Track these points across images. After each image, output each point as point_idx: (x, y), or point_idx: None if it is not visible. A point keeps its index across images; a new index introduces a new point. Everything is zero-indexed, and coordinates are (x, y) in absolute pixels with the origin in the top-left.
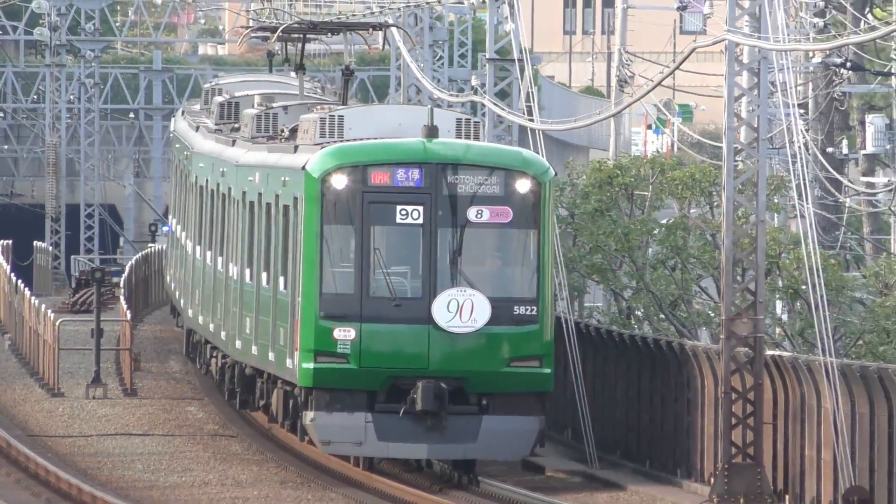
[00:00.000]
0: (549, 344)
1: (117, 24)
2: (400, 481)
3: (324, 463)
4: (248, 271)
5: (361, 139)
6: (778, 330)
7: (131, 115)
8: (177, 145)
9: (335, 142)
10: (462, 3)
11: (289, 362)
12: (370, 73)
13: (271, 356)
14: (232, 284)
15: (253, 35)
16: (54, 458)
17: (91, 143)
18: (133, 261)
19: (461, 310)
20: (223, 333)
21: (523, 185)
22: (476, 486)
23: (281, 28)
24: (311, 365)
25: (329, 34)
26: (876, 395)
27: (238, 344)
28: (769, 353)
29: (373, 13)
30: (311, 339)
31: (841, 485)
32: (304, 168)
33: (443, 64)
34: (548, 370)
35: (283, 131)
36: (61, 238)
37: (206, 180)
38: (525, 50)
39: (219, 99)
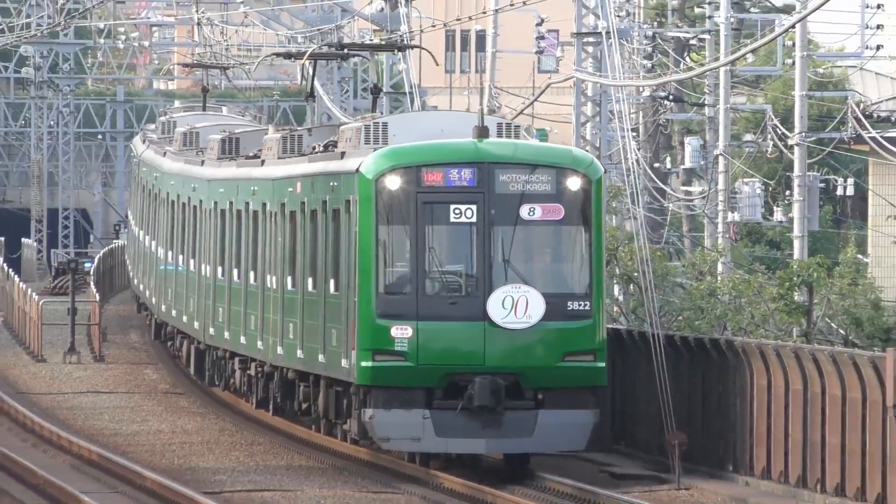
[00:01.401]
0: (602, 338)
1: (88, 65)
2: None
3: (255, 415)
4: (289, 278)
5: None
6: (616, 308)
7: (99, 136)
8: (144, 168)
9: (380, 147)
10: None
11: (344, 362)
12: (291, 103)
13: (321, 358)
14: (251, 289)
15: (274, 61)
16: (38, 410)
17: (67, 160)
18: (101, 254)
19: (516, 306)
20: (212, 329)
21: (574, 183)
22: (531, 479)
23: (308, 53)
24: (369, 363)
25: (344, 57)
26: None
27: (280, 350)
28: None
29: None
30: (369, 338)
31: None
32: (357, 171)
33: (349, 96)
34: (601, 364)
35: (257, 154)
36: (43, 236)
37: (178, 195)
38: (414, 85)
39: (181, 129)
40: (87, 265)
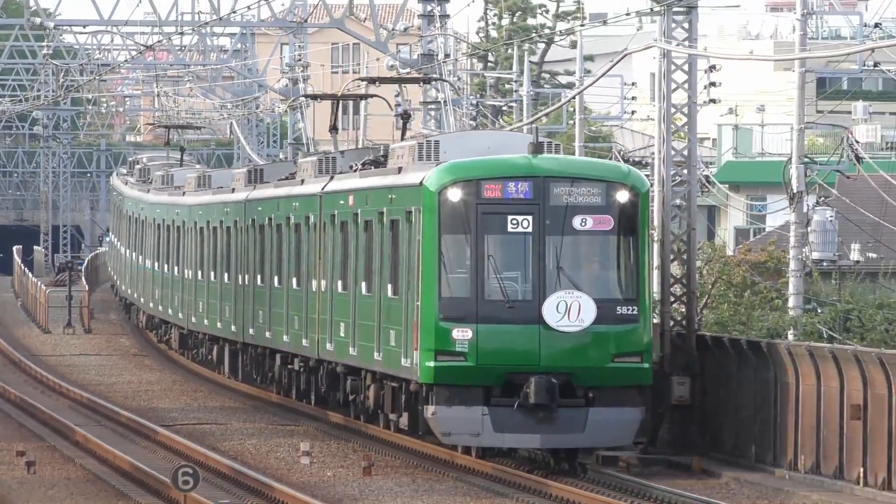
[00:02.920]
0: (648, 340)
1: (80, 124)
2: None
3: (197, 370)
4: (340, 282)
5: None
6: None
7: (88, 175)
8: (129, 202)
9: (433, 163)
10: (274, 111)
11: (404, 361)
12: (222, 151)
13: (377, 356)
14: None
15: (305, 101)
16: (45, 367)
17: (66, 191)
18: (89, 257)
19: (569, 310)
20: (251, 329)
21: (623, 196)
22: (584, 472)
23: (340, 92)
24: (432, 363)
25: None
26: None
27: (329, 346)
28: None
29: (224, 118)
30: (432, 339)
31: None
32: (421, 184)
33: (265, 146)
34: (647, 365)
35: (290, 176)
36: (49, 244)
37: (163, 220)
38: (309, 138)
39: (158, 173)
40: (79, 265)
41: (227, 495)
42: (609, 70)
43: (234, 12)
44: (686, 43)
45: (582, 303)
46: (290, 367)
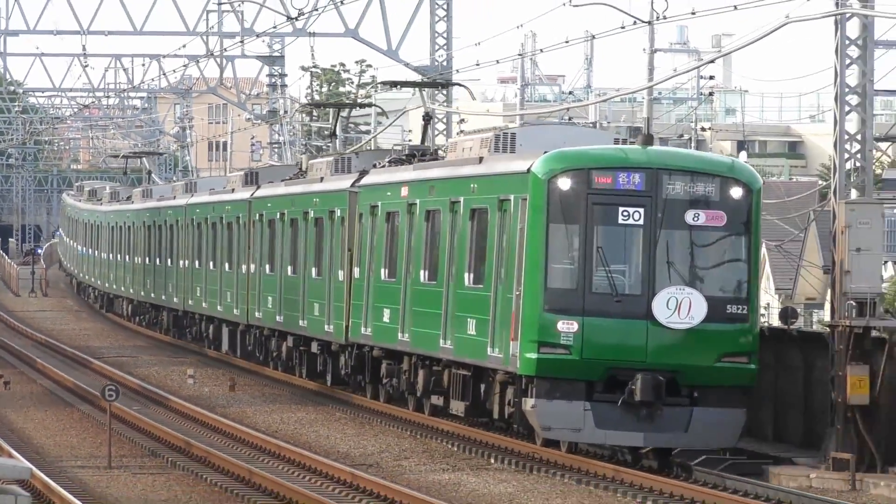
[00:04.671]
0: (756, 341)
1: (40, 157)
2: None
3: (121, 323)
4: (384, 271)
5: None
6: None
7: (45, 190)
8: (86, 212)
9: (509, 154)
10: (170, 149)
11: (492, 351)
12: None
13: (445, 344)
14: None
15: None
16: (16, 319)
17: (31, 202)
18: (45, 246)
19: (679, 307)
20: (279, 316)
21: (737, 192)
22: (689, 473)
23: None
24: (534, 355)
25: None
26: None
27: (365, 330)
28: None
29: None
30: (535, 330)
31: None
32: (528, 171)
33: (164, 172)
34: (754, 366)
35: (298, 175)
36: (19, 237)
37: (121, 222)
38: (193, 167)
39: (107, 191)
40: (39, 251)
41: (137, 404)
42: (393, 122)
43: (143, 82)
44: (445, 104)
45: (693, 299)
46: (284, 342)
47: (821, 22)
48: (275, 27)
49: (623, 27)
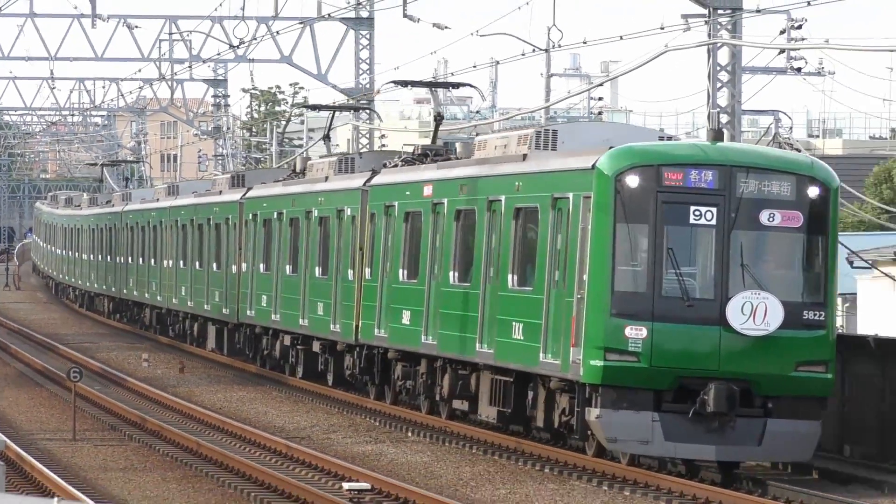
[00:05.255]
0: (833, 349)
1: (13, 168)
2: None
3: (85, 314)
4: (403, 271)
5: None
6: None
7: (18, 196)
8: (65, 217)
9: (550, 151)
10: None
11: (545, 356)
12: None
13: (482, 348)
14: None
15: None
16: None
17: (5, 207)
18: (19, 245)
19: (755, 312)
20: (304, 320)
21: (813, 191)
22: (763, 489)
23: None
24: (599, 362)
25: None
26: None
27: (380, 332)
28: None
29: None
30: (601, 336)
31: None
32: (593, 167)
33: (123, 183)
34: (830, 375)
35: (292, 176)
36: None
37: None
38: (148, 176)
39: (86, 197)
40: (12, 250)
41: (98, 384)
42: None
43: (103, 102)
44: (368, 122)
45: (769, 305)
46: (285, 344)
47: (696, 50)
48: (219, 54)
49: (523, 54)
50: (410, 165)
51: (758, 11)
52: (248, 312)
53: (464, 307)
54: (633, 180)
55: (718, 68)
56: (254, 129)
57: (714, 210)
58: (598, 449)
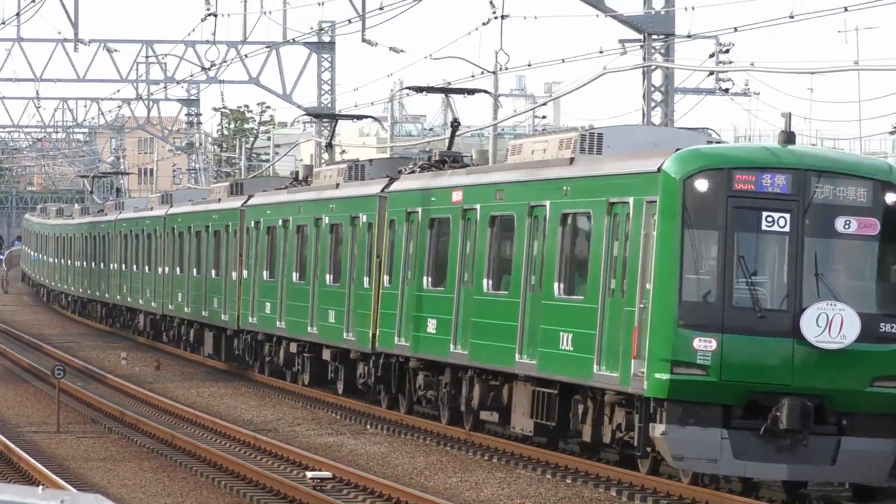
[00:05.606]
0: None
1: (0, 181)
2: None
3: (69, 315)
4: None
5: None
6: None
7: (6, 208)
8: (57, 227)
9: (595, 155)
10: (108, 174)
11: (599, 369)
12: (79, 196)
13: (523, 359)
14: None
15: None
16: None
17: None
18: (6, 252)
19: (830, 324)
20: (312, 327)
21: (891, 197)
22: None
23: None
24: (666, 376)
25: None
26: None
27: (400, 339)
28: None
29: (80, 177)
30: (668, 348)
31: None
32: (659, 170)
33: (104, 194)
34: None
35: (298, 183)
36: None
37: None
38: (127, 189)
39: (77, 209)
40: (1, 256)
41: (81, 380)
42: (286, 154)
43: (85, 120)
44: (323, 140)
45: (845, 317)
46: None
47: (632, 72)
48: (191, 75)
49: (473, 76)
50: (429, 171)
51: (689, 37)
52: (250, 319)
53: (500, 316)
54: (702, 184)
55: (653, 89)
56: (224, 145)
57: (787, 216)
58: (653, 466)
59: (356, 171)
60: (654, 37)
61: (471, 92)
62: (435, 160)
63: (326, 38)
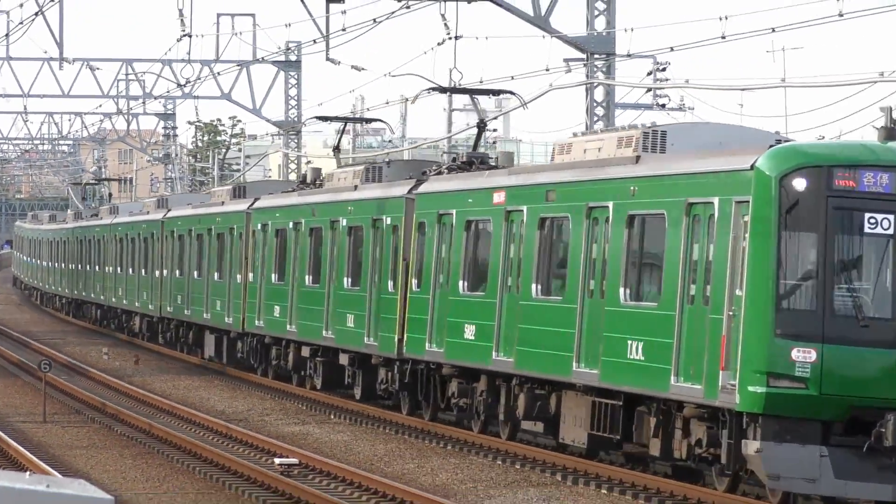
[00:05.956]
0: None
1: None
2: None
3: (57, 315)
4: (535, 287)
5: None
6: None
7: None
8: (51, 232)
9: (658, 154)
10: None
11: (676, 380)
12: (62, 203)
13: (580, 367)
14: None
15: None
16: None
17: None
18: None
19: None
20: (328, 331)
21: None
22: None
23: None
24: (761, 389)
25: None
26: None
27: (431, 345)
28: None
29: (64, 185)
30: (764, 359)
31: None
32: (752, 168)
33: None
34: None
35: (312, 185)
36: None
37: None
38: (110, 194)
39: (70, 214)
40: None
41: (65, 374)
42: (256, 163)
43: (70, 132)
44: (296, 149)
45: None
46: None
47: (576, 88)
48: (168, 92)
49: (429, 92)
50: (459, 173)
51: (628, 56)
52: (257, 322)
53: (553, 322)
54: (800, 183)
55: (595, 104)
56: (198, 156)
57: (891, 218)
58: (731, 484)
59: (374, 172)
60: (597, 56)
61: (496, 93)
62: (462, 161)
63: (293, 57)
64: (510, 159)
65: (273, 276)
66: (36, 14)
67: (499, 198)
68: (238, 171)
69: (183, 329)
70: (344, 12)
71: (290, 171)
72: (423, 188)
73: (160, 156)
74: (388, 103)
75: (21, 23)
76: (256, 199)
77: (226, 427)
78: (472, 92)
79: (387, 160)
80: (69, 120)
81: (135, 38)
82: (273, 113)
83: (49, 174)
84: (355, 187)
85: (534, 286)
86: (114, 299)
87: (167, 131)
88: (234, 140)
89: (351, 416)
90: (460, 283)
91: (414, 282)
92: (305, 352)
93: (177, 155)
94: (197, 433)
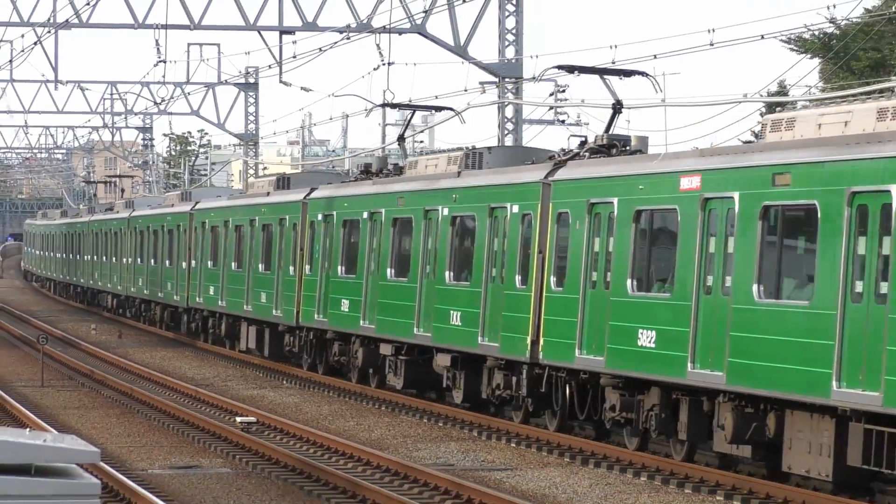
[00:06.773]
0: None
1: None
2: None
3: (53, 296)
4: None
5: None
6: None
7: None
8: (54, 226)
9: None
10: (83, 184)
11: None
12: (58, 203)
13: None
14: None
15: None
16: None
17: None
18: (1, 247)
19: None
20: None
21: None
22: None
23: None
24: None
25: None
26: None
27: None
28: None
29: (59, 187)
30: None
31: None
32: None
33: (78, 201)
34: None
35: (392, 173)
36: None
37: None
38: (95, 195)
39: (83, 207)
40: None
41: (61, 346)
42: (221, 169)
43: (63, 142)
44: (254, 157)
45: None
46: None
47: (490, 107)
48: (146, 109)
49: (367, 109)
50: (599, 157)
51: (534, 79)
52: (317, 317)
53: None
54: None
55: (506, 120)
56: (171, 163)
57: None
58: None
59: (474, 158)
60: (507, 79)
61: (628, 74)
62: (601, 144)
63: (252, 80)
64: (645, 143)
65: (340, 268)
66: (35, 43)
67: (689, 183)
68: (205, 175)
69: (214, 320)
70: (294, 42)
71: (248, 175)
72: (562, 174)
73: (139, 163)
74: (331, 119)
75: (23, 50)
76: (313, 189)
77: (195, 391)
78: (602, 72)
79: (488, 147)
80: (63, 132)
81: (118, 64)
82: (235, 126)
83: (46, 178)
84: (458, 174)
85: (755, 287)
86: (133, 290)
87: (145, 142)
88: (202, 149)
89: (300, 382)
90: (628, 282)
91: (552, 280)
92: (386, 349)
93: (153, 162)
94: (171, 396)
